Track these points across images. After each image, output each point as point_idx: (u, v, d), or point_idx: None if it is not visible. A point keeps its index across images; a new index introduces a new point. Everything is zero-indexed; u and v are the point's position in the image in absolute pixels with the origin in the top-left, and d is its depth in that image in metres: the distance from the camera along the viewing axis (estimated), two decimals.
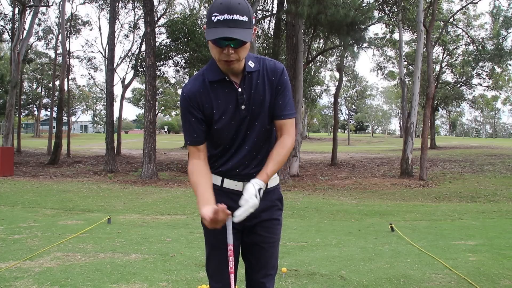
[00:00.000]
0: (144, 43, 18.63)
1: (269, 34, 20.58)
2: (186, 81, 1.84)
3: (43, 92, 40.99)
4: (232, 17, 1.52)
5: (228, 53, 1.58)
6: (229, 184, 1.79)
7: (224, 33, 1.51)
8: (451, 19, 24.90)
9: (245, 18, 1.54)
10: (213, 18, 1.53)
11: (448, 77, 31.82)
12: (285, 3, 14.06)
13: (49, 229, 5.52)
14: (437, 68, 28.20)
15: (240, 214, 1.61)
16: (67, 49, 22.31)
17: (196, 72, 1.84)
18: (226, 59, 1.60)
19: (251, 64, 1.73)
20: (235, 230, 1.80)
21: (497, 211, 7.74)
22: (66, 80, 22.08)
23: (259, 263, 1.86)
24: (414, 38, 23.41)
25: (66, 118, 25.81)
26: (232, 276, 1.71)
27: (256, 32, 1.77)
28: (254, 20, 1.68)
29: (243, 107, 1.71)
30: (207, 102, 1.72)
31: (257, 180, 1.69)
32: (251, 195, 1.62)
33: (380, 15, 16.32)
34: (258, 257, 1.86)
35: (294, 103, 1.83)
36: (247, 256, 1.90)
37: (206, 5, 22.67)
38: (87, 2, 25.15)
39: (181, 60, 18.79)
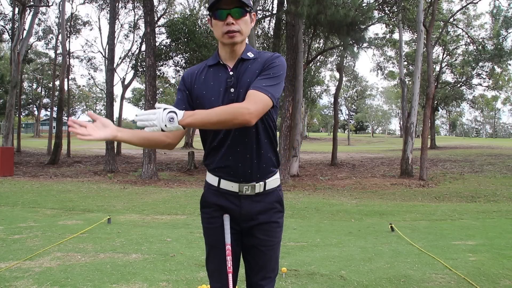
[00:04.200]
0: (144, 43, 18.64)
1: (269, 34, 20.59)
2: None
3: (43, 92, 41.05)
4: None
5: (230, 22, 1.67)
6: (226, 185, 1.79)
7: None
8: (451, 19, 24.89)
9: None
10: None
11: (448, 77, 31.87)
12: (285, 3, 14.06)
13: (49, 229, 5.52)
14: (437, 68, 28.19)
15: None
16: (67, 49, 22.32)
17: None
18: (228, 30, 1.68)
19: (250, 54, 1.78)
20: (234, 230, 1.80)
21: (497, 211, 7.73)
22: (66, 80, 22.09)
23: (258, 265, 1.85)
24: (414, 38, 23.41)
25: (66, 118, 25.78)
26: (230, 276, 1.71)
27: (255, 20, 1.80)
28: (251, 2, 1.75)
29: (232, 90, 1.73)
30: (199, 83, 1.78)
31: (179, 112, 1.57)
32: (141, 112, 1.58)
33: (380, 15, 16.30)
34: (257, 260, 1.85)
35: (278, 89, 1.70)
36: (246, 258, 1.89)
37: (206, 5, 22.65)
38: (87, 2, 25.17)
39: (181, 60, 18.80)
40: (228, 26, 1.67)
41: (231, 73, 1.74)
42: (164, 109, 1.56)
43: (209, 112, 1.59)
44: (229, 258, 1.73)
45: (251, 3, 1.73)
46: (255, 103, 1.59)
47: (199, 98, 1.76)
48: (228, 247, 1.73)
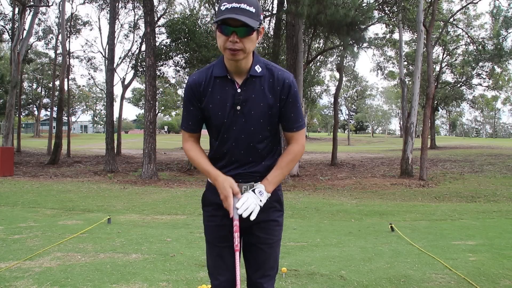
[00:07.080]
0: (144, 43, 18.63)
1: (269, 34, 20.56)
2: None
3: (43, 92, 41.03)
4: (240, 6, 1.59)
5: (233, 40, 1.62)
6: None
7: (231, 16, 1.58)
8: (451, 19, 24.89)
9: (252, 9, 1.61)
10: (222, 7, 1.61)
11: (448, 77, 31.89)
12: (285, 3, 14.06)
13: (49, 229, 5.52)
14: (437, 68, 28.20)
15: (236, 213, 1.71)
16: (67, 49, 22.31)
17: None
18: (231, 47, 1.63)
19: (257, 68, 1.74)
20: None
21: (497, 211, 7.73)
22: (66, 80, 22.08)
23: (257, 263, 1.87)
24: (414, 38, 23.42)
25: (66, 118, 25.80)
26: (237, 254, 1.71)
27: (263, 33, 1.79)
28: (262, 16, 1.71)
29: (238, 107, 1.73)
30: (207, 95, 1.76)
31: (257, 184, 1.75)
32: (240, 203, 1.70)
33: (380, 15, 16.31)
34: (256, 258, 1.87)
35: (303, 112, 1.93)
36: (246, 256, 1.91)
37: (206, 5, 22.65)
38: (87, 2, 25.16)
39: (181, 60, 18.76)
40: (231, 44, 1.63)
41: (239, 90, 1.72)
42: (251, 191, 1.74)
43: (278, 169, 1.80)
44: (236, 235, 1.71)
45: (261, 18, 1.68)
46: (303, 140, 1.86)
47: (206, 111, 1.78)
48: (236, 222, 1.72)
